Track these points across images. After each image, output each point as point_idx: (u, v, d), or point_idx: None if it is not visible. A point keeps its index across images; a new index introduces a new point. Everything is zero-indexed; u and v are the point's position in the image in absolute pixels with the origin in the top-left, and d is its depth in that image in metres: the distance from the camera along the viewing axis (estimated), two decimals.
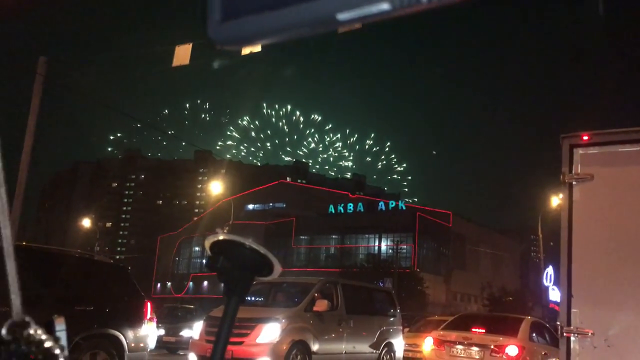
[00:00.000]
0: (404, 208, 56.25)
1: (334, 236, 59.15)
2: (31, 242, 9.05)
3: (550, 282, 33.89)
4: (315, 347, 10.85)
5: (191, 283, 63.81)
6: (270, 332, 10.26)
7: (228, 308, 1.26)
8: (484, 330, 10.79)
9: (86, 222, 62.36)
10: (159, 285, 67.57)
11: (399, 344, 13.53)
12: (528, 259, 73.71)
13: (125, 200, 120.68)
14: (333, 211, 59.00)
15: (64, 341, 1.02)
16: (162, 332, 17.08)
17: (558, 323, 5.31)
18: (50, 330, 1.09)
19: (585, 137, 5.55)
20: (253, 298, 13.89)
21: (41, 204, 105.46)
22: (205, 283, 62.39)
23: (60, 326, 1.09)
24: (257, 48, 12.99)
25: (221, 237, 1.28)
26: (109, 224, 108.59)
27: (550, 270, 34.18)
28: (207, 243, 1.29)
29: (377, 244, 56.31)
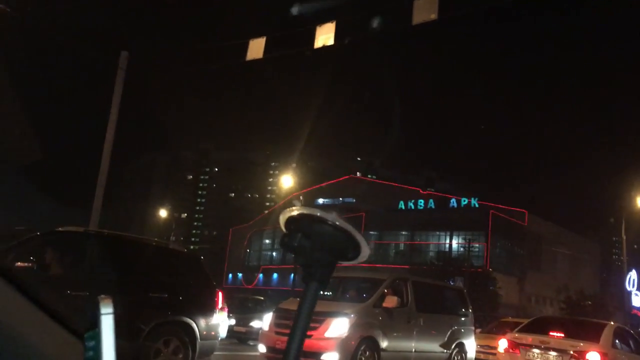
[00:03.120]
0: (476, 205, 54.89)
1: (403, 232, 58.57)
2: (111, 230, 9.38)
3: (633, 287, 32.28)
4: (384, 343, 10.72)
5: (261, 275, 64.89)
6: (339, 327, 10.20)
7: (306, 294, 1.09)
8: (562, 335, 10.32)
9: (163, 213, 64.58)
10: (230, 276, 69.11)
11: (470, 344, 13.17)
12: (610, 261, 70.44)
13: (200, 192, 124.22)
14: (403, 207, 58.41)
15: (107, 325, 0.95)
16: (233, 322, 17.39)
17: None
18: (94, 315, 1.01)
19: None
20: (322, 292, 13.89)
21: (122, 193, 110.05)
22: (275, 275, 63.29)
23: (106, 308, 1.01)
24: (330, 40, 12.95)
25: (299, 211, 1.11)
26: (184, 215, 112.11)
27: (633, 274, 32.56)
28: (283, 218, 1.10)
29: (447, 241, 55.31)
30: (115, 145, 16.20)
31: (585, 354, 9.67)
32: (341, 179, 70.09)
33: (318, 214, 1.08)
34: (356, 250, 1.11)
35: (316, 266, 1.08)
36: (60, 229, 8.07)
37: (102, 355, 1.00)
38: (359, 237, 1.10)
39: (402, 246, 59.06)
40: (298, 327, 1.09)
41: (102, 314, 1.02)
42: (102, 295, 1.05)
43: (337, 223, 1.08)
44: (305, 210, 1.09)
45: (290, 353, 1.07)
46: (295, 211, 1.10)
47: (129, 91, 16.86)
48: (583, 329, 10.96)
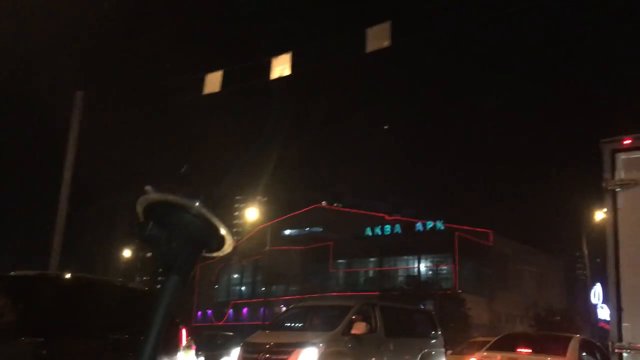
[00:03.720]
0: (442, 228, 55.39)
1: (372, 259, 58.58)
2: (73, 271, 9.13)
3: (598, 300, 32.78)
4: None
5: (231, 310, 63.88)
6: (308, 357, 10.07)
7: (165, 290, 1.00)
8: (530, 350, 10.38)
9: (127, 253, 63.25)
10: (199, 313, 67.84)
11: None
12: (574, 276, 71.63)
13: None
14: (370, 233, 58.52)
15: None
16: (202, 359, 17.01)
17: (610, 341, 5.01)
18: None
19: (628, 141, 5.29)
20: (290, 323, 13.72)
21: (84, 236, 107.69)
22: (245, 310, 62.37)
23: None
24: (286, 71, 13.05)
25: (155, 198, 0.98)
26: (149, 254, 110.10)
27: (598, 287, 33.10)
28: (140, 206, 1.02)
29: (416, 265, 55.52)
30: (74, 188, 15.89)
31: None
32: (307, 208, 70.01)
33: (177, 201, 0.98)
34: (220, 240, 1.03)
35: (175, 258, 0.99)
36: (12, 273, 7.81)
37: None
38: (222, 227, 1.00)
39: (371, 273, 59.02)
40: (155, 324, 1.01)
41: None
42: None
43: (201, 211, 0.98)
44: (162, 197, 0.99)
45: (147, 345, 1.00)
46: (151, 197, 0.99)
47: (85, 131, 16.63)
48: (550, 344, 11.06)
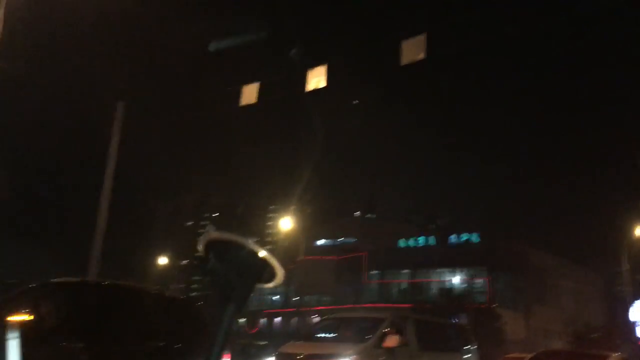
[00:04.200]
0: (477, 241, 54.70)
1: (405, 271, 58.16)
2: (112, 279, 9.40)
3: (638, 317, 31.85)
4: None
5: (264, 319, 64.14)
6: None
7: (223, 318, 1.12)
8: None
9: (163, 260, 64.21)
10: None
11: None
12: (613, 292, 69.78)
13: (199, 238, 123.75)
14: (404, 245, 58.16)
15: (12, 348, 0.98)
16: None
17: None
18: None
19: None
20: (323, 334, 13.76)
21: (121, 243, 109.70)
22: (278, 319, 62.53)
23: (12, 333, 1.04)
24: (322, 83, 13.18)
25: (215, 236, 1.14)
26: (184, 262, 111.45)
27: (638, 304, 32.18)
28: (201, 243, 1.16)
29: (450, 278, 54.91)
30: (113, 195, 16.27)
31: None
32: (341, 219, 70.01)
33: (234, 239, 1.11)
34: (271, 273, 1.15)
35: (232, 289, 1.11)
36: (54, 280, 8.06)
37: None
38: (274, 262, 1.13)
39: (404, 284, 58.58)
40: (215, 348, 1.12)
41: (8, 339, 1.06)
42: (9, 320, 1.08)
43: (254, 248, 1.12)
44: (221, 236, 1.12)
45: None
46: (212, 236, 1.13)
47: (126, 141, 17.03)
48: None
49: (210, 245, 1.14)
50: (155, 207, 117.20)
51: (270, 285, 1.19)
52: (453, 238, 56.26)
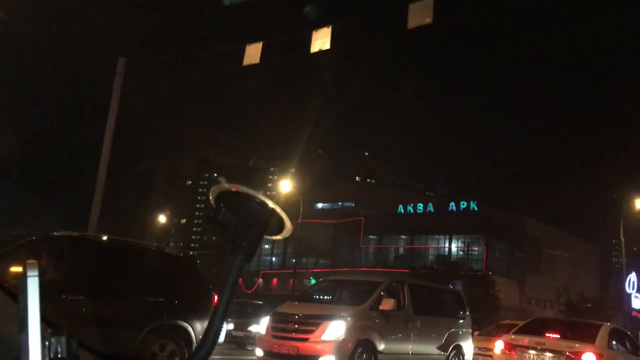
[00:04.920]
0: (476, 209, 54.90)
1: (403, 237, 58.56)
2: (110, 235, 9.48)
3: (633, 289, 32.23)
4: (381, 346, 10.72)
5: (261, 280, 64.86)
6: (335, 330, 10.21)
7: (233, 267, 1.16)
8: (558, 336, 10.34)
9: (162, 219, 64.59)
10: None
11: (468, 347, 13.17)
12: (609, 264, 70.37)
13: (199, 197, 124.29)
14: (402, 211, 58.41)
15: (32, 287, 0.99)
16: (231, 326, 17.40)
17: None
18: None
19: None
20: (319, 296, 13.91)
21: (121, 200, 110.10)
22: (275, 280, 63.25)
23: (32, 271, 1.05)
24: (326, 45, 13.01)
25: (227, 188, 1.16)
26: (183, 221, 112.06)
27: (633, 276, 32.52)
28: (212, 194, 1.18)
29: (447, 245, 55.32)
30: (113, 152, 16.24)
31: (581, 355, 9.69)
32: (340, 183, 70.13)
33: (245, 191, 1.14)
34: (280, 225, 1.18)
35: (242, 240, 1.14)
36: (55, 233, 8.11)
37: (28, 315, 1.05)
38: (282, 213, 1.17)
39: (401, 250, 59.06)
40: (225, 295, 1.15)
41: (28, 277, 1.07)
42: (29, 260, 1.09)
43: (264, 200, 1.14)
44: (232, 187, 1.15)
45: (214, 323, 1.13)
46: (224, 187, 1.16)
47: (127, 97, 16.92)
48: (579, 330, 10.97)
49: (222, 196, 1.17)
50: (155, 165, 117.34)
51: (279, 237, 1.22)
52: (452, 205, 56.43)
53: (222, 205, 1.17)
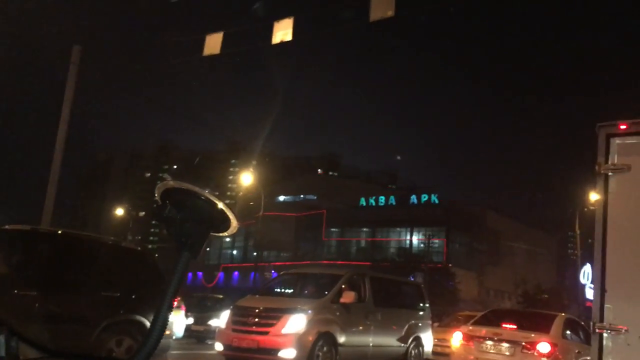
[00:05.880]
0: (437, 202, 55.61)
1: (364, 229, 58.93)
2: (67, 229, 9.24)
3: (587, 280, 33.16)
4: (341, 339, 10.76)
5: (222, 274, 64.44)
6: (296, 323, 10.19)
7: (178, 264, 1.13)
8: (515, 327, 10.53)
9: (120, 211, 63.44)
10: (190, 275, 68.40)
11: (427, 338, 13.34)
12: (565, 255, 72.26)
13: None
14: (365, 204, 58.74)
15: None
16: (190, 321, 17.20)
17: (592, 320, 5.09)
18: None
19: (623, 126, 5.29)
20: (280, 289, 13.87)
21: (77, 193, 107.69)
22: (236, 274, 62.93)
23: None
24: (288, 36, 12.91)
25: (174, 185, 1.14)
26: (141, 214, 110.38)
27: (588, 268, 33.46)
28: (158, 191, 1.15)
29: (408, 238, 55.90)
30: (69, 143, 15.83)
31: (536, 345, 9.90)
32: (302, 175, 70.10)
33: (191, 188, 1.11)
34: (226, 222, 1.16)
35: (188, 237, 1.13)
36: (7, 227, 7.85)
37: None
38: (229, 211, 1.15)
39: (363, 243, 59.43)
40: (169, 291, 1.13)
41: None
42: None
43: (210, 197, 1.12)
44: (178, 185, 1.12)
45: (159, 318, 1.11)
46: (169, 184, 1.13)
47: (82, 87, 16.50)
48: (535, 321, 11.21)
49: (167, 193, 1.14)
50: (113, 157, 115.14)
51: (225, 234, 1.21)
52: (413, 198, 57.02)
53: (167, 202, 1.14)
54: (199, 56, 13.49)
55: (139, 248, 10.28)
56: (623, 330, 4.81)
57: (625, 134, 5.27)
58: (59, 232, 8.62)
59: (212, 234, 1.17)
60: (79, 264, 8.05)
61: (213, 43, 13.61)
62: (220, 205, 1.13)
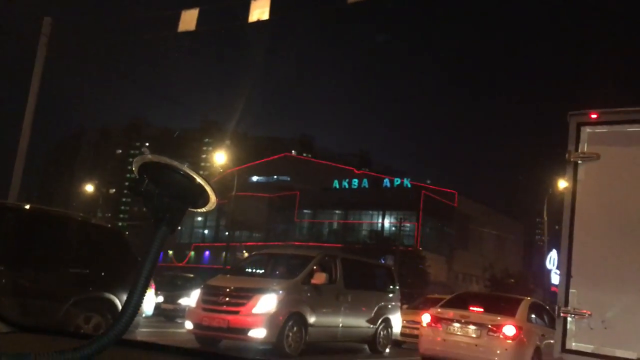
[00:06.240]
0: (409, 186, 56.02)
1: (337, 211, 59.13)
2: (34, 203, 9.07)
3: (553, 265, 33.89)
4: (311, 319, 10.85)
5: (193, 253, 64.18)
6: (266, 303, 10.24)
7: (155, 239, 1.12)
8: (482, 310, 10.73)
9: (89, 188, 62.58)
10: (161, 253, 67.78)
11: (396, 320, 13.53)
12: (532, 241, 73.63)
13: (129, 167, 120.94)
14: (337, 186, 58.89)
15: None
16: (160, 299, 17.14)
17: (557, 305, 5.21)
18: None
19: (594, 116, 5.39)
20: (251, 269, 13.89)
21: (46, 168, 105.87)
22: (207, 253, 62.74)
23: None
24: (264, 15, 12.77)
25: (151, 159, 1.13)
26: (112, 191, 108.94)
27: (554, 254, 34.17)
28: (135, 165, 1.14)
29: (380, 221, 56.28)
30: (38, 117, 15.50)
31: (502, 327, 10.11)
32: (276, 157, 69.88)
33: (169, 162, 1.10)
34: (205, 198, 1.16)
35: (165, 211, 1.11)
36: None
37: None
38: (208, 187, 1.14)
39: (335, 225, 59.67)
40: (144, 268, 1.11)
41: None
42: None
43: (189, 172, 1.11)
44: (156, 159, 1.11)
45: (134, 294, 1.10)
46: (147, 157, 1.11)
47: (52, 61, 16.12)
48: (501, 304, 11.45)
49: (145, 167, 1.13)
50: (82, 132, 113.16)
51: (203, 209, 1.19)
52: (386, 182, 57.33)
53: (145, 176, 1.12)
54: (174, 32, 13.27)
55: (109, 225, 10.17)
56: (587, 315, 4.94)
57: (595, 123, 5.36)
58: (27, 207, 8.47)
59: (190, 209, 1.16)
60: (47, 239, 7.93)
61: (188, 19, 13.39)
62: (200, 180, 1.11)
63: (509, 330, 10.07)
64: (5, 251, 7.29)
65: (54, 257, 7.80)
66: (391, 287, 13.96)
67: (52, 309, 7.22)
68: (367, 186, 57.91)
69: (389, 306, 13.40)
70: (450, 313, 10.82)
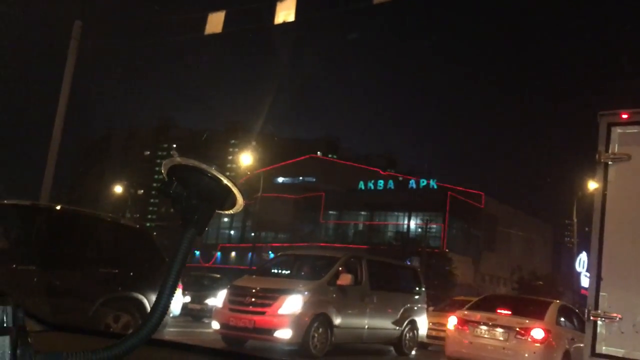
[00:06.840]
0: (435, 187, 55.64)
1: (362, 213, 58.98)
2: (65, 204, 9.24)
3: (583, 268, 33.37)
4: (337, 320, 10.84)
5: (219, 253, 64.62)
6: (292, 304, 10.26)
7: (183, 240, 1.14)
8: (509, 312, 10.60)
9: (118, 189, 63.46)
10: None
11: (422, 322, 13.44)
12: (561, 243, 72.52)
13: (157, 168, 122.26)
14: (363, 187, 58.74)
15: None
16: (187, 299, 17.30)
17: (587, 308, 5.13)
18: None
19: (625, 116, 5.29)
20: (277, 270, 13.94)
21: (76, 169, 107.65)
22: (233, 253, 63.12)
23: None
24: (290, 16, 12.82)
25: (179, 162, 1.16)
26: (140, 192, 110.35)
27: (583, 256, 33.66)
28: (164, 167, 1.17)
29: (406, 222, 56.01)
30: (68, 119, 15.79)
31: (530, 330, 9.97)
32: (302, 158, 70.02)
33: (197, 165, 1.12)
34: (233, 200, 1.17)
35: (193, 213, 1.12)
36: (6, 202, 7.85)
37: None
38: (235, 189, 1.15)
39: (361, 226, 59.53)
40: (173, 269, 1.13)
41: None
42: None
43: (217, 174, 1.12)
44: (184, 161, 1.13)
45: (163, 294, 1.11)
46: (176, 160, 1.13)
47: (83, 63, 16.41)
48: (529, 307, 11.29)
49: (174, 169, 1.14)
50: (112, 134, 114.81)
51: (231, 211, 1.19)
52: (412, 183, 57.02)
53: (173, 178, 1.15)
54: (201, 34, 13.40)
55: (138, 226, 10.31)
56: (617, 318, 4.85)
57: (626, 123, 5.26)
58: (58, 207, 8.62)
59: (218, 211, 1.18)
60: (77, 239, 8.07)
61: (215, 21, 13.52)
62: (228, 182, 1.13)
63: (538, 333, 9.92)
64: (37, 251, 7.43)
65: (84, 257, 7.94)
66: (417, 288, 13.87)
67: (82, 308, 7.34)
68: (392, 187, 57.66)
69: (415, 308, 13.32)
70: (477, 315, 10.71)
